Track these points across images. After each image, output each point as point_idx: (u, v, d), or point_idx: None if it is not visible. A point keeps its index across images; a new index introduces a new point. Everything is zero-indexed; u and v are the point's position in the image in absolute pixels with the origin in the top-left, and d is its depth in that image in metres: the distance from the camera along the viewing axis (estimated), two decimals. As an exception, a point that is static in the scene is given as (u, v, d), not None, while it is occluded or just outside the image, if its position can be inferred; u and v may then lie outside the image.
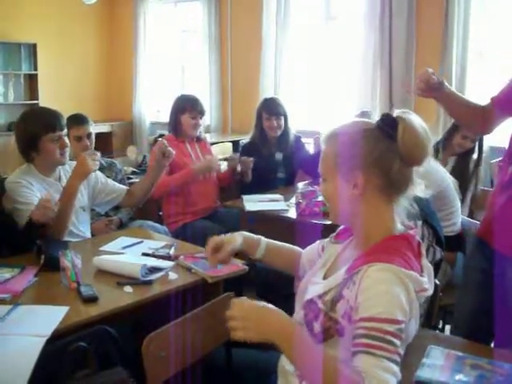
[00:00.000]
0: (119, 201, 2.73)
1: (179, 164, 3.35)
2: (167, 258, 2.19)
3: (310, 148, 4.07)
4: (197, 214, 3.45)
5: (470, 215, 3.28)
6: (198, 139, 3.65)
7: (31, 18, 6.81)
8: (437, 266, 2.06)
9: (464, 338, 1.68)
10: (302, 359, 1.11)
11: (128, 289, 1.90)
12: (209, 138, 5.89)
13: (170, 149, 2.65)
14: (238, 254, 1.67)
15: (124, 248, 2.35)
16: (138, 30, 7.24)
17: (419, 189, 1.28)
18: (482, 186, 3.40)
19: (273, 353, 1.19)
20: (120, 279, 1.96)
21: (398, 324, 1.11)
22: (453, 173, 2.95)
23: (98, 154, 2.45)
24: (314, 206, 2.87)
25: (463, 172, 3.21)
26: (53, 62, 7.08)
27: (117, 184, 2.79)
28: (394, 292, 1.13)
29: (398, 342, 1.10)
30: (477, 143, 3.23)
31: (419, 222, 1.90)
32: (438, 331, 2.42)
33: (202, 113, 3.52)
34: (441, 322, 2.72)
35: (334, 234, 1.47)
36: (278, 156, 3.76)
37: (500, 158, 3.99)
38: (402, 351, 1.12)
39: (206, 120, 6.29)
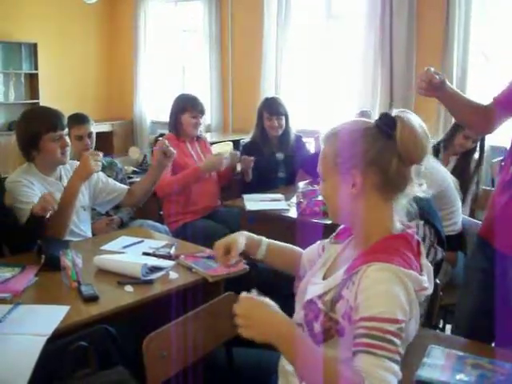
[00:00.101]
0: (120, 200, 2.73)
1: (181, 164, 3.35)
2: (168, 257, 2.19)
3: (311, 147, 4.07)
4: (197, 213, 3.45)
5: (471, 215, 3.28)
6: (198, 139, 3.65)
7: (32, 18, 6.81)
8: (438, 266, 2.06)
9: (465, 337, 1.68)
10: (302, 361, 1.11)
11: (129, 288, 1.90)
12: (209, 137, 5.91)
13: (171, 148, 2.64)
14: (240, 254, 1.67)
15: (125, 247, 2.35)
16: (138, 29, 7.23)
17: (418, 188, 1.28)
18: (483, 186, 3.40)
19: (274, 352, 1.19)
20: (121, 279, 1.96)
21: (398, 323, 1.11)
22: (454, 172, 2.95)
23: (101, 154, 2.45)
24: (314, 206, 2.87)
25: (464, 172, 3.21)
26: (53, 61, 7.08)
27: (117, 183, 2.79)
28: (393, 291, 1.13)
29: (398, 341, 1.10)
30: (478, 143, 3.23)
31: (421, 222, 1.90)
32: (438, 331, 2.42)
33: (202, 112, 3.53)
34: (441, 322, 2.72)
35: (334, 234, 1.47)
36: (279, 155, 3.76)
37: (501, 158, 4.01)
38: (402, 351, 1.12)
39: (207, 119, 6.30)
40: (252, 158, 3.51)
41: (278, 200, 3.22)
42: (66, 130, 2.49)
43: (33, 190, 2.36)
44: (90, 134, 3.13)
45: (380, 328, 1.10)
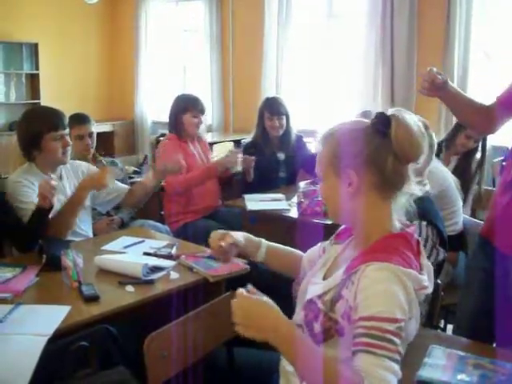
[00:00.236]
0: (120, 200, 2.74)
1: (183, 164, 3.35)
2: (169, 257, 2.19)
3: (312, 147, 4.06)
4: (198, 213, 3.45)
5: (473, 215, 3.27)
6: (199, 138, 3.66)
7: (32, 18, 6.81)
8: (439, 267, 2.05)
9: (466, 337, 1.68)
10: (301, 361, 1.11)
11: (130, 288, 1.90)
12: (210, 137, 5.92)
13: (172, 165, 2.79)
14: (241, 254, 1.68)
15: (125, 247, 2.35)
16: (139, 29, 7.23)
17: (417, 186, 1.28)
18: (485, 186, 3.40)
19: (274, 353, 1.18)
20: (122, 278, 1.96)
21: (398, 322, 1.11)
22: (455, 172, 2.95)
23: (120, 171, 2.48)
24: (315, 206, 2.87)
25: (465, 171, 3.21)
26: (54, 61, 7.08)
27: (118, 183, 2.79)
28: (392, 291, 1.13)
29: (398, 340, 1.10)
30: (480, 143, 3.23)
31: (424, 223, 1.90)
32: (439, 331, 2.42)
33: (202, 111, 3.53)
34: (442, 322, 2.72)
35: (334, 234, 1.47)
36: (280, 155, 3.76)
37: (502, 157, 4.00)
38: (402, 350, 1.12)
39: (208, 119, 6.30)
40: (253, 157, 3.50)
41: (279, 200, 3.22)
42: (67, 129, 2.49)
43: (33, 190, 2.36)
44: (90, 134, 3.14)
45: (379, 327, 1.10)
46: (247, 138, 4.09)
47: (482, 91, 4.42)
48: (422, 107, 4.49)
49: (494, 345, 1.75)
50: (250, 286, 1.20)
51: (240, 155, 3.39)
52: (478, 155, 3.28)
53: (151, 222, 3.22)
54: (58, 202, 2.35)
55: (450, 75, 4.57)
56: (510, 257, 1.79)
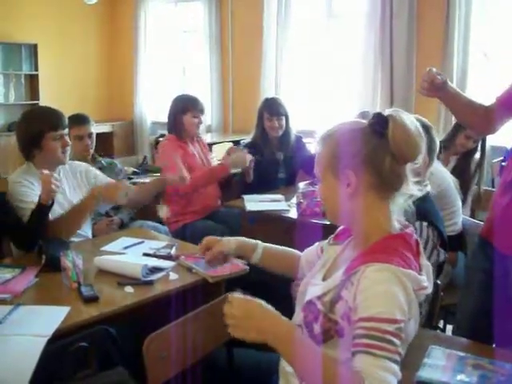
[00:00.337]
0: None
1: (184, 166, 3.35)
2: (168, 258, 2.19)
3: (311, 148, 4.06)
4: (198, 213, 3.45)
5: (472, 215, 3.27)
6: (198, 139, 3.66)
7: (32, 19, 6.82)
8: (440, 268, 2.05)
9: (467, 338, 1.68)
10: (301, 362, 1.11)
11: (129, 289, 1.90)
12: (210, 138, 5.92)
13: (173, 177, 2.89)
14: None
15: (125, 248, 2.35)
16: (138, 30, 7.24)
17: (415, 187, 1.28)
18: (484, 186, 3.40)
19: (274, 354, 1.18)
20: (121, 279, 1.96)
21: (397, 323, 1.11)
22: (453, 172, 2.95)
23: (133, 189, 2.47)
24: (314, 206, 2.87)
25: (464, 172, 3.21)
26: (53, 62, 7.08)
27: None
28: (392, 292, 1.13)
29: (397, 341, 1.10)
30: (479, 143, 3.23)
31: (425, 224, 1.89)
32: (439, 331, 2.42)
33: (202, 111, 3.54)
34: (442, 322, 2.72)
35: (333, 235, 1.47)
36: (279, 156, 3.76)
37: (501, 158, 4.00)
38: (402, 351, 1.12)
39: (207, 120, 6.30)
40: (252, 158, 3.50)
41: (278, 201, 3.22)
42: (67, 129, 2.50)
43: (32, 190, 2.36)
44: (90, 135, 3.14)
45: (379, 328, 1.10)
46: (246, 139, 4.09)
47: (482, 92, 4.42)
48: (421, 108, 4.49)
49: (494, 345, 1.75)
50: (239, 292, 1.20)
51: (250, 155, 3.39)
52: (477, 155, 3.28)
53: (150, 223, 3.22)
54: (57, 202, 2.35)
55: (450, 76, 4.57)
56: (509, 257, 1.79)
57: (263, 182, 3.58)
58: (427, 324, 1.84)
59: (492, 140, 3.37)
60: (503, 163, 3.70)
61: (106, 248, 2.35)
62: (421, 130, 1.24)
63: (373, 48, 5.13)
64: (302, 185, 3.47)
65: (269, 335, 1.11)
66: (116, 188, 2.37)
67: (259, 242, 1.62)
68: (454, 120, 3.67)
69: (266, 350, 1.15)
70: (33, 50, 6.85)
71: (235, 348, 1.73)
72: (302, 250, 1.64)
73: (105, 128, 7.13)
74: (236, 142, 4.99)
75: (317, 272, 1.40)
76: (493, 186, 3.79)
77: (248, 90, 6.18)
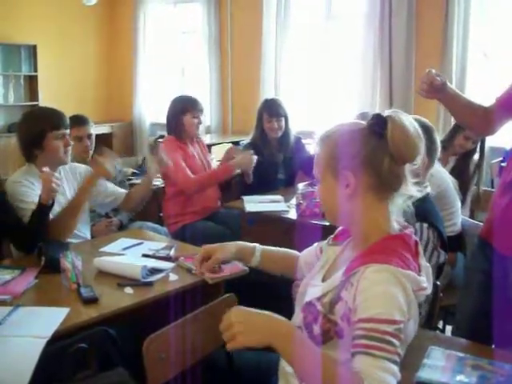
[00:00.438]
0: (117, 204, 2.75)
1: (185, 166, 3.35)
2: (167, 259, 2.19)
3: (311, 149, 4.07)
4: (197, 214, 3.45)
5: (471, 216, 3.28)
6: (198, 139, 3.66)
7: (31, 20, 6.81)
8: (440, 269, 2.05)
9: (466, 339, 1.68)
10: (300, 362, 1.11)
11: (128, 290, 1.90)
12: (209, 139, 5.92)
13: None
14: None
15: (124, 249, 2.35)
16: (137, 31, 7.24)
17: (414, 187, 1.28)
18: (483, 187, 3.40)
19: (273, 354, 1.18)
20: (120, 280, 1.96)
21: (397, 324, 1.11)
22: (452, 173, 2.95)
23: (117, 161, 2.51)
24: (314, 207, 2.87)
25: (463, 173, 3.21)
26: (53, 63, 7.07)
27: (117, 187, 2.80)
28: (391, 292, 1.13)
29: (397, 342, 1.10)
30: (478, 144, 3.23)
31: (425, 225, 1.89)
32: (438, 332, 2.42)
33: (201, 111, 3.54)
34: (441, 323, 2.72)
35: (332, 235, 1.47)
36: (279, 157, 3.76)
37: (500, 159, 4.01)
38: (401, 351, 1.12)
39: (206, 121, 6.30)
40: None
41: (278, 201, 3.23)
42: (68, 129, 2.50)
43: (33, 190, 2.36)
44: (89, 136, 3.14)
45: (378, 329, 1.10)
46: (246, 140, 4.09)
47: (481, 92, 4.43)
48: (420, 108, 4.50)
49: (493, 346, 1.75)
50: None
51: (255, 156, 3.40)
52: (476, 156, 3.28)
53: (150, 224, 3.22)
54: (57, 203, 2.35)
55: (449, 76, 4.57)
56: (509, 258, 1.79)
57: (263, 182, 3.58)
58: (427, 325, 1.84)
59: (491, 141, 3.38)
60: (502, 164, 3.71)
61: (106, 249, 2.35)
62: (420, 131, 1.24)
63: (372, 47, 5.13)
64: (301, 186, 3.47)
65: (269, 336, 1.11)
66: (99, 165, 2.43)
67: (257, 245, 1.62)
68: (453, 120, 3.67)
69: (265, 350, 1.15)
70: (32, 50, 6.84)
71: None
72: (301, 250, 1.64)
73: (104, 129, 7.12)
74: (235, 143, 5.00)
75: (316, 273, 1.40)
76: (492, 187, 3.79)
77: (247, 90, 6.17)
